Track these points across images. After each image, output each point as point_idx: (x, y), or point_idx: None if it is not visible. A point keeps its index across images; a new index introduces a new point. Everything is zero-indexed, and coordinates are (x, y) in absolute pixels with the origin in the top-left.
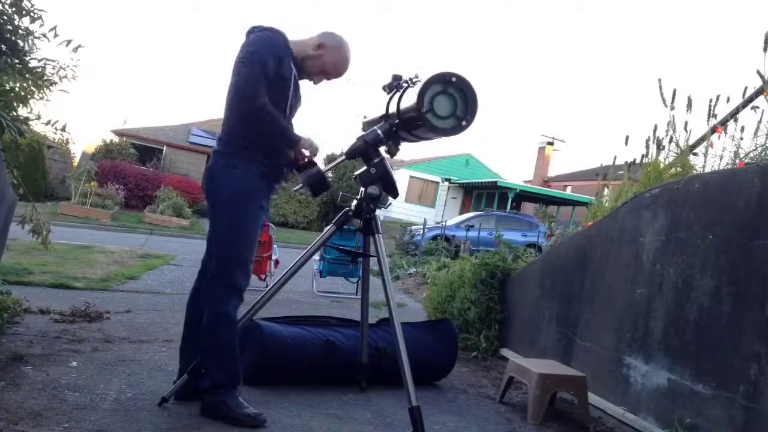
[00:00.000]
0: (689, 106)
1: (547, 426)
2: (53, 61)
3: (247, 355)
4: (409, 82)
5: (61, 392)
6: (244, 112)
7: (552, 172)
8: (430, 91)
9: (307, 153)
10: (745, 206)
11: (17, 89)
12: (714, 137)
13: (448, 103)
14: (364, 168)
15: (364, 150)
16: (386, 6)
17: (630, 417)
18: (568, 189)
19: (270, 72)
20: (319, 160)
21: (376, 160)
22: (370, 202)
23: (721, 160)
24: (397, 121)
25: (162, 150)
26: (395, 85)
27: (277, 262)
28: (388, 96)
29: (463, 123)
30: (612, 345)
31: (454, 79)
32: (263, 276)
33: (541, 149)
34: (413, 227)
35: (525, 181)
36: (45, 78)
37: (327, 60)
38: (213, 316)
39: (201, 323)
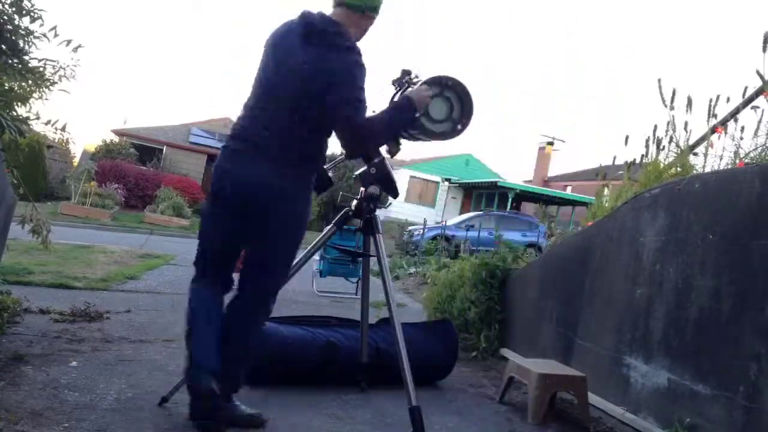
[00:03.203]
0: (689, 106)
1: (547, 426)
2: (53, 61)
3: None
4: (409, 81)
5: (61, 392)
6: (366, 146)
7: (552, 172)
8: None
9: (424, 97)
10: (745, 206)
11: (17, 89)
12: (714, 137)
13: (443, 106)
14: (364, 168)
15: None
16: (387, 5)
17: (630, 417)
18: (568, 189)
19: None
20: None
21: (376, 160)
22: (370, 202)
23: (721, 160)
24: None
25: (162, 150)
26: (404, 81)
27: None
28: (394, 93)
29: (459, 127)
30: (612, 345)
31: (450, 83)
32: None
33: (541, 149)
34: (413, 227)
35: (525, 181)
36: (45, 78)
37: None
38: (256, 332)
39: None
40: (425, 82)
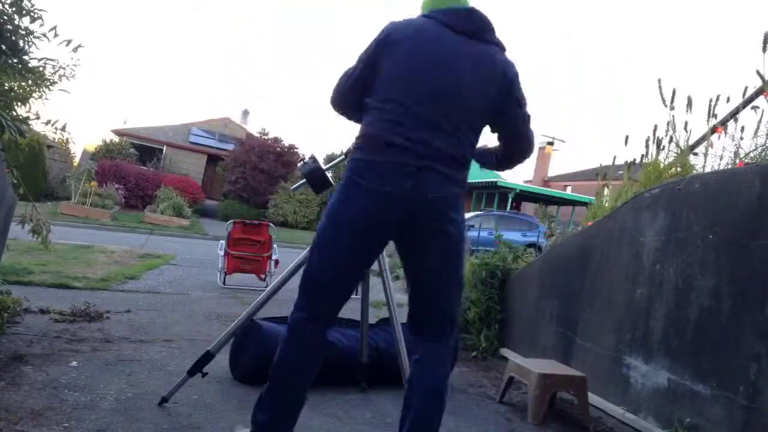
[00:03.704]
0: (689, 106)
1: (547, 426)
2: (53, 61)
3: (247, 355)
4: None
5: (61, 392)
6: (526, 155)
7: (552, 172)
8: None
9: None
10: (745, 206)
11: (17, 89)
12: (714, 137)
13: None
14: None
15: None
16: (389, 3)
17: (630, 417)
18: (568, 189)
19: None
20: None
21: None
22: None
23: (721, 160)
24: None
25: (162, 150)
26: None
27: (277, 262)
28: None
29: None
30: (612, 345)
31: None
32: (263, 276)
33: (541, 149)
34: None
35: (525, 181)
36: (45, 78)
37: None
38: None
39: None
40: None
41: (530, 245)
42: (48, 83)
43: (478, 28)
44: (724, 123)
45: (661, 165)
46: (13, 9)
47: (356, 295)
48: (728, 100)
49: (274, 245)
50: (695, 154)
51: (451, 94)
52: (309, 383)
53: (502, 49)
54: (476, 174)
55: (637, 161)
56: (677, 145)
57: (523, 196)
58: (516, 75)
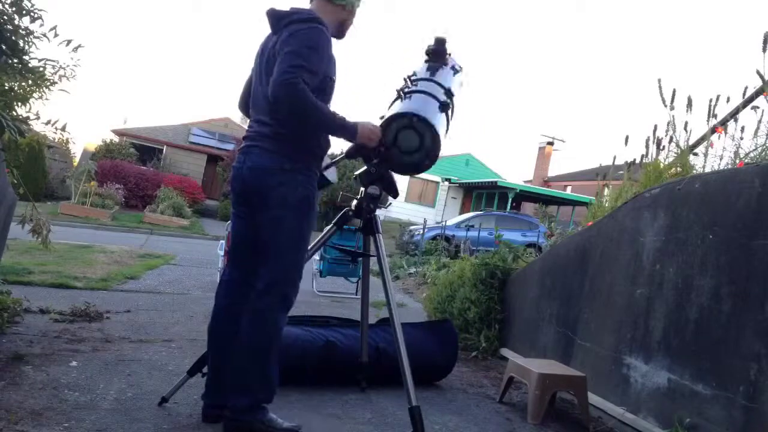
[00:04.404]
0: (689, 106)
1: (547, 426)
2: (53, 61)
3: None
4: (401, 93)
5: (61, 392)
6: (287, 102)
7: (552, 172)
8: (394, 126)
9: (373, 138)
10: (745, 206)
11: (17, 89)
12: (714, 137)
13: (414, 138)
14: (364, 168)
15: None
16: (388, 5)
17: (630, 417)
18: (568, 189)
19: (323, 71)
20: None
21: (375, 160)
22: (370, 202)
23: (721, 160)
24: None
25: (162, 150)
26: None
27: None
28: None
29: (427, 162)
30: (612, 345)
31: (415, 118)
32: None
33: (541, 149)
34: (413, 227)
35: (525, 181)
36: (45, 78)
37: (356, 10)
38: (266, 330)
39: (232, 344)
40: (391, 117)
41: (530, 245)
42: (48, 83)
43: (278, 19)
44: (724, 123)
45: (661, 165)
46: (13, 9)
47: (356, 295)
48: (728, 100)
49: None
50: (695, 154)
51: (258, 86)
52: None
53: (300, 20)
54: (476, 174)
55: (637, 161)
56: (677, 145)
57: (523, 196)
58: (292, 32)
